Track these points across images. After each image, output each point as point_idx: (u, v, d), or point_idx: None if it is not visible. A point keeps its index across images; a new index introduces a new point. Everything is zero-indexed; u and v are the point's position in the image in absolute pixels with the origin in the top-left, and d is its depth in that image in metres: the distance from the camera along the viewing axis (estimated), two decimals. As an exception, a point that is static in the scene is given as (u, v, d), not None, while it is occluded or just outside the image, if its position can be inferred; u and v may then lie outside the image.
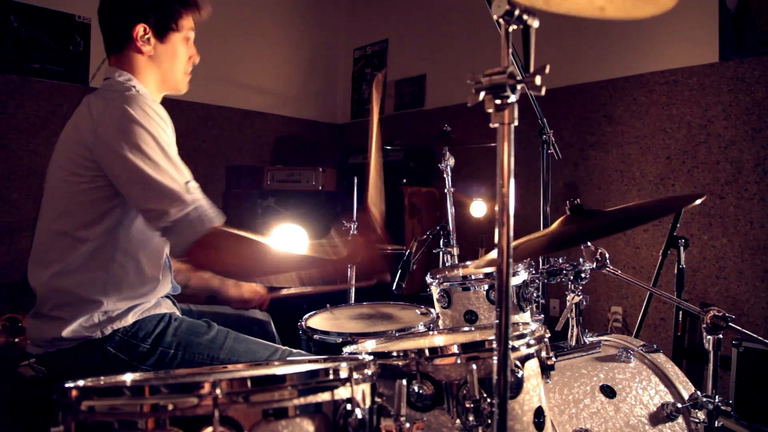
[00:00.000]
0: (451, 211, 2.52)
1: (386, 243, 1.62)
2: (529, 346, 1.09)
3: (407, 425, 0.86)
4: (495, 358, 0.82)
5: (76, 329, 1.41)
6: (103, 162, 1.39)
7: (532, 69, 0.80)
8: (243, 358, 1.50)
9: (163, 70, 1.60)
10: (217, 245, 1.39)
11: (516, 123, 0.81)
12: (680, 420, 1.43)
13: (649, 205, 1.53)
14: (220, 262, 1.42)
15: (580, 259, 1.60)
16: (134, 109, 1.39)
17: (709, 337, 1.33)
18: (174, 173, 1.39)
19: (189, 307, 1.79)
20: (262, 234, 1.61)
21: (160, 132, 1.41)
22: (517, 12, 0.80)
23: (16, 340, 2.79)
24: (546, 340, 1.15)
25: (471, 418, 0.96)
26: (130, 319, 1.46)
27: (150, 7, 1.55)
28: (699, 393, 1.40)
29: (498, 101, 0.80)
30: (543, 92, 0.79)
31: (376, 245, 1.57)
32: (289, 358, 1.51)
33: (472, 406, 0.96)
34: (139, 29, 1.54)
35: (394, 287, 2.15)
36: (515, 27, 0.83)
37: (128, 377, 0.93)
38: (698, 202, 1.32)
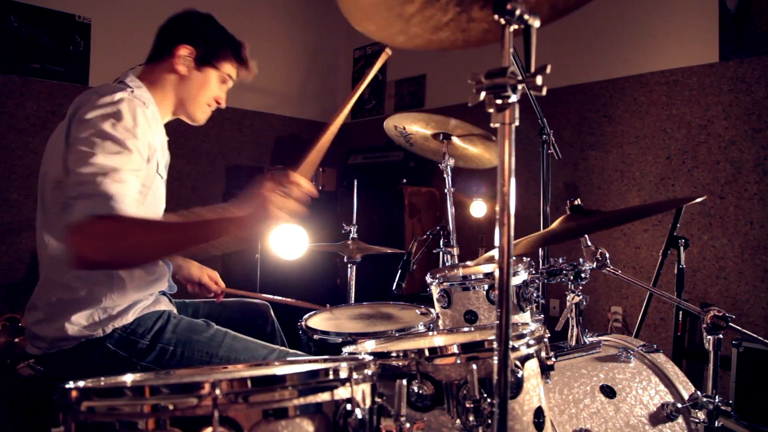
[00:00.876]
0: (451, 211, 2.52)
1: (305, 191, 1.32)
2: (529, 346, 1.09)
3: (407, 425, 0.85)
4: (495, 358, 0.82)
5: (77, 329, 1.41)
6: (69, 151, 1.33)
7: (532, 69, 0.80)
8: (242, 356, 1.51)
9: (187, 94, 1.66)
10: (103, 231, 1.20)
11: (517, 123, 0.81)
12: (680, 420, 1.43)
13: (649, 205, 1.53)
14: (105, 249, 1.20)
15: (580, 259, 1.60)
16: (113, 106, 1.37)
17: (709, 337, 1.33)
18: (104, 159, 1.29)
19: (183, 302, 1.80)
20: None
21: (124, 132, 1.35)
22: (518, 12, 0.80)
23: (16, 340, 2.79)
24: (546, 340, 1.15)
25: (471, 418, 0.96)
26: (130, 317, 1.46)
27: (203, 37, 1.65)
28: (699, 393, 1.40)
29: (499, 101, 0.79)
30: (544, 92, 0.79)
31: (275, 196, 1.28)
32: (289, 358, 1.51)
33: (472, 406, 0.96)
34: (183, 49, 1.61)
35: (394, 287, 2.15)
36: (516, 27, 0.83)
37: (128, 378, 0.93)
38: (699, 200, 1.32)
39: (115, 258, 1.23)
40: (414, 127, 2.42)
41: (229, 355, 1.50)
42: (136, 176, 1.34)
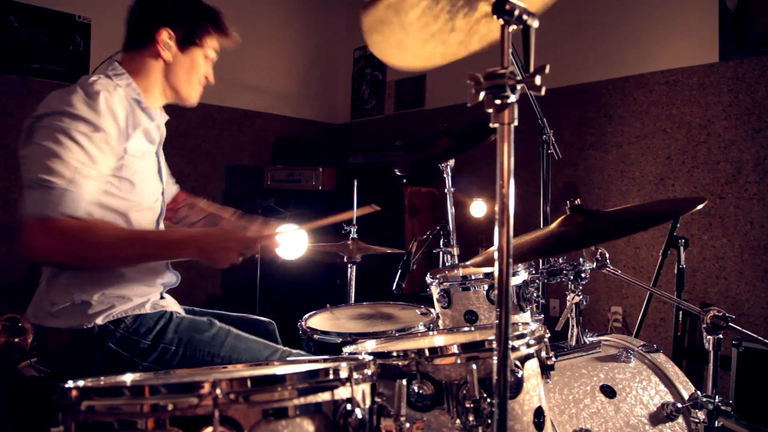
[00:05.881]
0: (451, 211, 2.52)
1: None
2: (529, 346, 1.09)
3: (407, 425, 0.86)
4: (495, 358, 0.82)
5: (62, 322, 1.42)
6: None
7: (532, 69, 0.80)
8: (244, 356, 1.51)
9: (176, 78, 1.62)
10: (63, 232, 1.29)
11: (516, 123, 0.81)
12: (680, 420, 1.43)
13: (649, 208, 1.52)
14: (61, 250, 1.31)
15: (580, 259, 1.60)
16: (77, 94, 1.40)
17: (709, 337, 1.33)
18: (76, 154, 1.34)
19: (192, 309, 1.79)
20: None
21: (92, 122, 1.39)
22: (517, 12, 0.80)
23: (16, 340, 2.79)
24: (546, 340, 1.15)
25: (471, 418, 0.96)
26: (115, 314, 1.45)
27: (180, 17, 1.59)
28: (699, 393, 1.40)
29: (498, 101, 0.79)
30: (543, 92, 0.79)
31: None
32: (289, 358, 1.51)
33: (472, 406, 0.96)
34: (164, 33, 1.56)
35: (394, 287, 2.15)
36: (515, 27, 0.83)
37: (128, 377, 0.93)
38: (699, 207, 1.31)
39: (67, 258, 1.33)
40: None
41: (231, 355, 1.49)
42: (97, 174, 1.38)
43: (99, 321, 1.42)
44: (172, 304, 1.60)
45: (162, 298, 1.57)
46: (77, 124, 1.37)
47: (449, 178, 2.51)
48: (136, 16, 1.61)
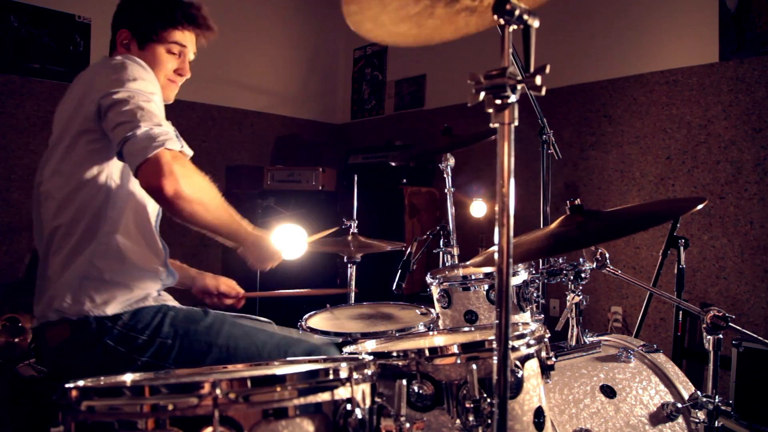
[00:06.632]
0: (451, 211, 2.52)
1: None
2: (529, 346, 1.09)
3: (407, 425, 0.86)
4: (495, 358, 0.82)
5: (65, 305, 1.42)
6: (99, 102, 1.40)
7: (532, 69, 0.80)
8: (241, 342, 1.51)
9: None
10: (175, 169, 1.33)
11: (516, 123, 0.81)
12: (680, 420, 1.43)
13: (649, 208, 1.52)
14: (175, 187, 1.34)
15: (580, 259, 1.60)
16: (130, 59, 1.47)
17: (709, 337, 1.33)
18: (159, 103, 1.43)
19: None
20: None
21: (151, 81, 1.47)
22: (517, 12, 0.80)
23: (16, 340, 2.79)
24: (546, 340, 1.15)
25: (471, 418, 0.96)
26: (116, 308, 1.45)
27: (137, 14, 1.62)
28: (699, 393, 1.40)
29: (498, 101, 0.79)
30: (543, 92, 0.79)
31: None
32: (289, 358, 1.51)
33: (472, 406, 0.96)
34: (123, 34, 1.62)
35: (394, 287, 2.15)
36: (515, 27, 0.83)
37: (128, 377, 0.93)
38: (699, 207, 1.31)
39: (192, 195, 1.38)
40: None
41: (228, 343, 1.49)
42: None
43: (108, 310, 1.42)
44: (169, 300, 1.61)
45: (159, 295, 1.58)
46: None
47: (449, 178, 2.51)
48: (112, 20, 1.66)
